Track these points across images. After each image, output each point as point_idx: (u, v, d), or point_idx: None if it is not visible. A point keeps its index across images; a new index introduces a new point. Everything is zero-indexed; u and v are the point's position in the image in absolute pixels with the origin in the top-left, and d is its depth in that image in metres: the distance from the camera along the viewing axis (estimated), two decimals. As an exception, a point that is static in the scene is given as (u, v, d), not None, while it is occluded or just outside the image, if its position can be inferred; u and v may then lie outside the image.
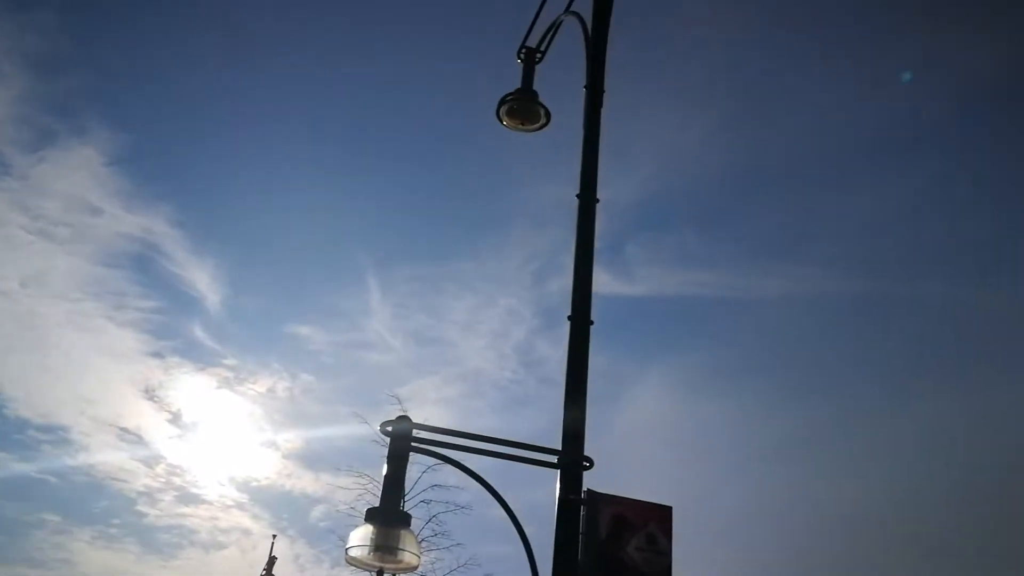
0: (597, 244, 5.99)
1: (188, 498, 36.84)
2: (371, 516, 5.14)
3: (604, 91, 6.55)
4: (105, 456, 30.95)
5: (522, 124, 7.42)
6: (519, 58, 7.57)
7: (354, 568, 6.09)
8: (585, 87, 6.55)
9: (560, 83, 7.54)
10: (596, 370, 5.56)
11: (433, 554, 17.99)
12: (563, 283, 5.94)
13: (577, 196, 6.12)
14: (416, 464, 17.25)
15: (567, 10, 7.24)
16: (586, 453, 5.29)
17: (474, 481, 5.25)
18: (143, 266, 34.37)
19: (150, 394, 34.03)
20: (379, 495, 5.33)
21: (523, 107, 7.32)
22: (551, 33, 7.55)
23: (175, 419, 34.40)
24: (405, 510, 5.51)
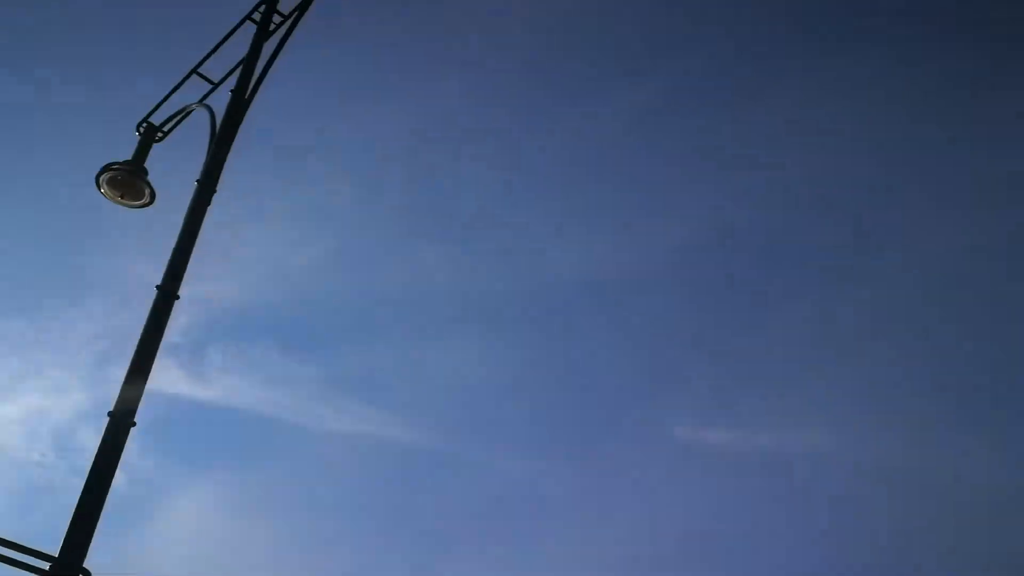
0: (178, 340, 5.75)
1: None
2: None
3: (216, 191, 6.40)
4: None
5: (122, 197, 7.00)
6: (138, 131, 7.22)
7: None
8: (198, 181, 6.36)
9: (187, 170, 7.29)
10: (138, 471, 5.17)
11: None
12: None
13: (157, 287, 5.82)
14: None
15: (201, 101, 7.11)
16: (96, 560, 4.81)
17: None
18: None
19: None
20: None
21: (127, 181, 6.92)
22: (179, 117, 7.33)
23: None
24: None
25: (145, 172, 7.05)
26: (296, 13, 7.05)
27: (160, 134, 7.28)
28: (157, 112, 7.44)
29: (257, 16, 7.14)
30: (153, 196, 7.02)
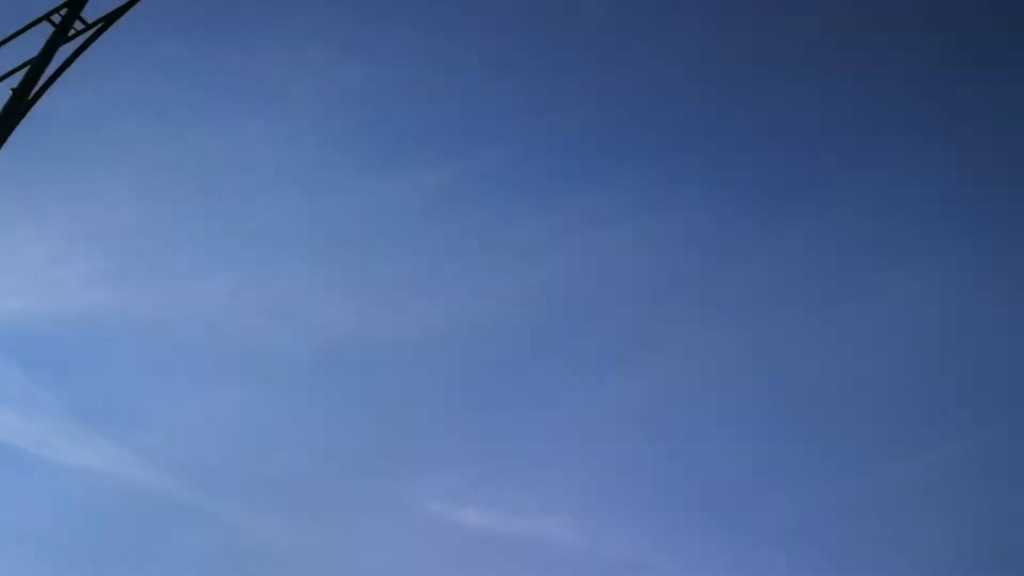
0: None
1: None
2: None
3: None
4: None
5: None
6: None
7: None
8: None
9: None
10: None
11: None
12: None
13: None
14: None
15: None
16: None
17: None
18: None
19: None
20: None
21: None
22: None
23: None
24: None
25: None
26: (101, 24, 6.75)
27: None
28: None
29: (57, 18, 6.77)
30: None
